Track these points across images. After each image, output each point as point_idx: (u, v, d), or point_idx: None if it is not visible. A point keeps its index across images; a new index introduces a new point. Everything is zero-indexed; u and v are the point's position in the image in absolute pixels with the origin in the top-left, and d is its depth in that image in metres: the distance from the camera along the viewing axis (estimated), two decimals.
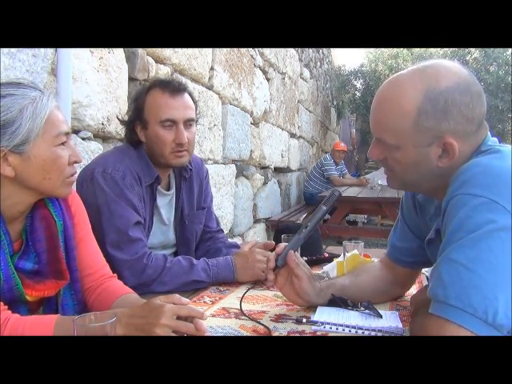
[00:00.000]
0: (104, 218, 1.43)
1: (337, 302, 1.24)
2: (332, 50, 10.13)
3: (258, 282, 1.47)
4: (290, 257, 1.23)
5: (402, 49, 9.74)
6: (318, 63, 8.39)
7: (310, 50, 7.44)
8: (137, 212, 1.48)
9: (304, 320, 1.18)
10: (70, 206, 1.20)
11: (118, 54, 2.19)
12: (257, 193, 4.85)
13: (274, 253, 1.26)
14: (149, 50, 2.46)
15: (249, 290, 1.34)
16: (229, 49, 3.64)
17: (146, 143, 1.57)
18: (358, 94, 11.44)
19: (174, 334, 0.94)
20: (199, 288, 1.48)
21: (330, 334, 1.11)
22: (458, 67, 1.02)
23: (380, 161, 1.10)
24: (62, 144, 1.06)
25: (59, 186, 1.08)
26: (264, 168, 5.05)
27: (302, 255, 1.56)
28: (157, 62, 2.55)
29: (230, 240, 1.89)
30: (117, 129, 2.19)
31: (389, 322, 1.15)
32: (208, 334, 1.06)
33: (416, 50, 9.83)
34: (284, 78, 5.65)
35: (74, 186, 1.19)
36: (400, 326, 1.12)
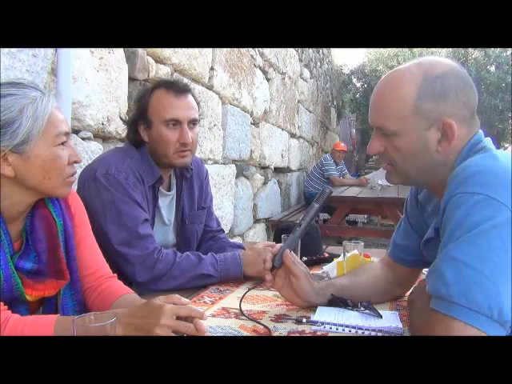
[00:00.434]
0: (110, 217, 1.43)
1: (337, 302, 1.24)
2: (332, 49, 10.13)
3: (257, 283, 1.48)
4: (287, 256, 1.23)
5: (402, 49, 9.75)
6: (318, 63, 8.39)
7: (310, 50, 7.44)
8: (143, 210, 1.49)
9: (304, 320, 1.18)
10: (70, 205, 1.20)
11: (118, 53, 2.19)
12: (257, 193, 4.85)
13: (270, 253, 1.26)
14: (149, 50, 2.46)
15: (249, 290, 1.34)
16: (229, 49, 3.64)
17: (148, 143, 1.57)
18: (358, 93, 11.45)
19: (173, 334, 0.94)
20: (207, 284, 1.49)
21: (330, 334, 1.11)
22: (449, 60, 1.08)
23: (380, 154, 1.11)
24: (62, 144, 1.07)
25: (59, 185, 1.08)
26: (264, 168, 5.05)
27: (302, 255, 1.56)
28: (157, 62, 2.55)
29: (232, 241, 1.89)
30: (117, 129, 2.19)
31: (389, 321, 1.15)
32: (208, 334, 1.06)
33: (417, 50, 9.84)
34: (284, 78, 5.65)
35: (73, 186, 1.19)
36: (400, 325, 1.12)
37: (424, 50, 9.53)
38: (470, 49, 9.56)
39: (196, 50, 3.01)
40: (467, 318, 0.84)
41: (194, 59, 2.98)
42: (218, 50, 3.41)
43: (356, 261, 1.46)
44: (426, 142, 1.03)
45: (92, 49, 1.98)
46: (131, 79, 2.35)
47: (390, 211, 5.22)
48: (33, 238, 1.11)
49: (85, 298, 1.23)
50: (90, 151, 2.00)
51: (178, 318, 0.95)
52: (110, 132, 2.14)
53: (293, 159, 6.43)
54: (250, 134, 4.35)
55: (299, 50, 6.44)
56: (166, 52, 2.62)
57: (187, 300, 1.01)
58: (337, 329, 1.12)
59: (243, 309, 1.26)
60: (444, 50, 9.68)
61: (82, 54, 1.90)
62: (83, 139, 1.97)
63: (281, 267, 1.24)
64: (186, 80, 2.38)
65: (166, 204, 1.67)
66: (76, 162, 1.11)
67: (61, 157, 1.06)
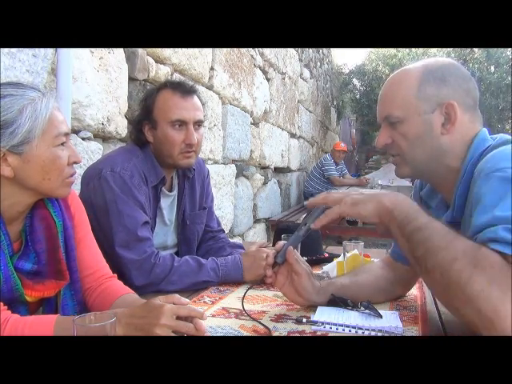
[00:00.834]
0: (112, 216, 1.43)
1: (337, 301, 1.24)
2: (332, 49, 10.12)
3: (257, 282, 1.47)
4: (290, 253, 1.22)
5: (402, 49, 9.75)
6: (318, 63, 8.38)
7: (310, 50, 7.44)
8: (144, 212, 1.49)
9: (304, 320, 1.18)
10: (70, 206, 1.20)
11: (118, 53, 2.19)
12: (257, 193, 4.85)
13: (273, 250, 1.26)
14: (149, 49, 2.46)
15: (249, 289, 1.34)
16: (229, 49, 3.64)
17: (153, 143, 1.58)
18: (358, 93, 11.45)
19: (173, 334, 0.94)
20: (207, 287, 1.49)
21: (330, 334, 1.11)
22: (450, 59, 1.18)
23: (388, 146, 1.15)
24: (62, 144, 1.06)
25: (58, 186, 1.08)
26: (264, 168, 5.05)
27: (301, 255, 1.56)
28: (157, 62, 2.55)
29: (231, 240, 1.89)
30: (117, 129, 2.19)
31: (389, 321, 1.15)
32: (208, 334, 1.06)
33: (417, 50, 9.84)
34: (284, 78, 5.65)
35: (73, 187, 1.19)
36: (400, 325, 1.12)
37: (424, 50, 9.54)
38: (470, 49, 9.55)
39: (196, 50, 3.01)
40: None
41: (194, 59, 2.98)
42: (218, 50, 3.41)
43: (356, 261, 1.46)
44: (431, 125, 1.08)
45: (92, 49, 1.98)
46: (131, 79, 2.35)
47: None
48: (32, 239, 1.11)
49: (85, 298, 1.22)
50: (90, 151, 1.99)
51: (178, 317, 0.95)
52: (110, 132, 2.14)
53: (293, 159, 6.43)
54: (249, 134, 4.35)
55: (299, 50, 6.44)
56: (166, 52, 2.62)
57: (187, 300, 1.01)
58: (337, 329, 1.12)
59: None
60: (444, 50, 9.68)
61: (82, 54, 1.90)
62: (83, 139, 1.97)
63: (283, 264, 1.24)
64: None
65: (168, 204, 1.67)
66: (75, 163, 1.11)
67: (60, 157, 1.06)
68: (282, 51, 5.39)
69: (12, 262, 1.06)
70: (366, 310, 1.20)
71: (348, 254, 1.48)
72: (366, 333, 1.10)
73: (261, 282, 1.46)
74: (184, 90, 1.55)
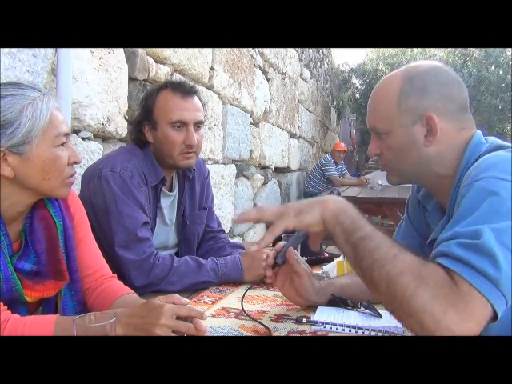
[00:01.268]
0: (112, 217, 1.43)
1: (337, 301, 1.24)
2: (332, 49, 10.12)
3: (257, 282, 1.47)
4: (291, 254, 1.22)
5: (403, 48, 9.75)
6: (318, 63, 8.39)
7: (310, 49, 7.43)
8: (144, 212, 1.49)
9: (304, 320, 1.18)
10: (70, 206, 1.20)
11: (118, 53, 2.19)
12: (257, 193, 4.85)
13: (273, 250, 1.26)
14: (149, 50, 2.46)
15: (248, 289, 1.34)
16: (229, 49, 3.64)
17: (153, 144, 1.57)
18: (358, 93, 11.45)
19: (173, 334, 0.94)
20: (207, 287, 1.49)
21: (330, 334, 1.11)
22: (434, 61, 1.16)
23: (378, 156, 1.15)
24: (62, 145, 1.06)
25: (58, 186, 1.08)
26: (264, 168, 5.05)
27: (301, 255, 1.55)
28: (157, 62, 2.55)
29: (231, 240, 1.89)
30: (117, 129, 2.19)
31: (389, 321, 1.14)
32: (208, 334, 1.06)
33: (417, 50, 9.84)
34: (284, 78, 5.65)
35: (73, 187, 1.19)
36: (400, 325, 1.12)
37: (424, 49, 9.54)
38: (470, 49, 9.55)
39: (196, 50, 3.01)
40: (500, 306, 0.79)
41: (194, 59, 2.98)
42: (217, 50, 3.41)
43: None
44: (414, 137, 1.06)
45: (92, 49, 1.98)
46: (131, 79, 2.35)
47: (390, 211, 5.21)
48: (32, 239, 1.11)
49: (85, 298, 1.22)
50: (90, 151, 1.99)
51: (178, 317, 0.95)
52: (110, 132, 2.14)
53: (293, 159, 6.43)
54: (250, 133, 4.35)
55: (299, 49, 6.44)
56: (166, 52, 2.62)
57: (187, 300, 1.01)
58: (337, 329, 1.12)
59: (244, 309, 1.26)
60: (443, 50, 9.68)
61: (82, 54, 1.90)
62: (83, 139, 1.97)
63: (284, 265, 1.24)
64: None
65: (168, 204, 1.67)
66: (75, 163, 1.11)
67: (60, 157, 1.06)
68: (281, 51, 5.38)
69: (12, 262, 1.06)
70: (366, 310, 1.20)
71: None
72: (366, 333, 1.10)
73: (261, 282, 1.46)
74: (184, 90, 1.55)
